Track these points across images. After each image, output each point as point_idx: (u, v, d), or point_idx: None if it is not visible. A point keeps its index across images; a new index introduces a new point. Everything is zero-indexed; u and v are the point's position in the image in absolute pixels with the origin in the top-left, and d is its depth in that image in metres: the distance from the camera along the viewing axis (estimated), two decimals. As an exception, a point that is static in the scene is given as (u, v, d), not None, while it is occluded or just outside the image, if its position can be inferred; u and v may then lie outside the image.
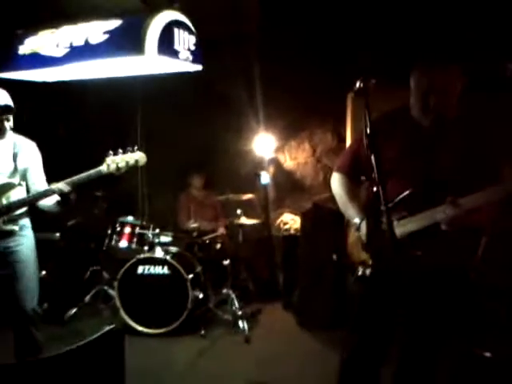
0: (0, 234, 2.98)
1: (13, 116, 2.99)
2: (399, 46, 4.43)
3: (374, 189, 1.89)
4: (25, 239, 3.12)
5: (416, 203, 2.17)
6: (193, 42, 2.98)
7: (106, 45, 2.88)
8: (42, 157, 3.23)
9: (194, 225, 4.80)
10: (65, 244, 4.98)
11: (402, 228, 2.19)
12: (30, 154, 3.13)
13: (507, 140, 2.27)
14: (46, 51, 3.08)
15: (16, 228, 3.04)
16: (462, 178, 2.12)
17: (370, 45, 4.62)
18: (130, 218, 4.78)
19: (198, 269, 4.67)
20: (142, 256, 4.42)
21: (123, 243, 4.64)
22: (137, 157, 2.95)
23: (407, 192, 2.18)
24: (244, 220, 4.85)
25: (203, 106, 5.41)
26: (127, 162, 2.94)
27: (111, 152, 2.97)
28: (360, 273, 2.30)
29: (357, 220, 2.34)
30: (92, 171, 2.97)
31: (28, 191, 3.13)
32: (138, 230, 4.67)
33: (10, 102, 2.96)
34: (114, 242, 4.64)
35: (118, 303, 4.38)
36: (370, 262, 2.27)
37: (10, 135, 3.05)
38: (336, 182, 2.51)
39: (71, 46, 2.99)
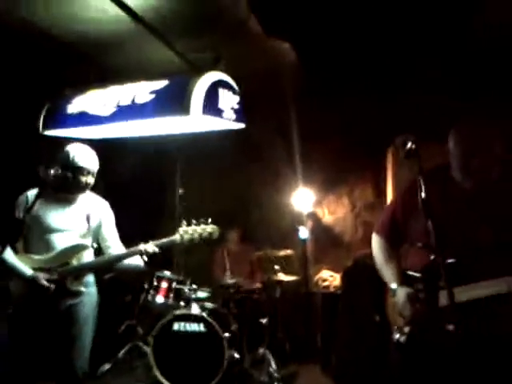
0: (67, 292, 2.94)
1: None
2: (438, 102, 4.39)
3: (431, 256, 1.80)
4: (88, 297, 3.08)
5: (458, 272, 2.03)
6: (236, 101, 3.03)
7: (152, 104, 2.93)
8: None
9: (231, 280, 4.72)
10: (101, 297, 4.95)
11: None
12: (103, 213, 3.10)
13: None
14: (93, 111, 3.16)
15: (82, 288, 3.01)
16: (507, 245, 2.01)
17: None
18: (168, 273, 4.73)
19: (234, 327, 4.55)
20: (178, 312, 4.34)
21: (160, 298, 4.58)
22: (210, 230, 3.04)
23: (451, 260, 2.04)
24: (282, 276, 4.75)
25: (242, 162, 5.44)
26: (200, 234, 3.02)
27: (184, 222, 3.02)
28: (396, 338, 2.21)
29: (393, 286, 2.27)
30: (166, 240, 3.02)
31: (100, 252, 3.10)
32: (174, 285, 4.62)
33: (97, 161, 3.00)
34: (150, 297, 4.59)
35: (151, 360, 4.27)
36: (406, 329, 2.16)
37: (87, 194, 3.06)
38: (375, 244, 2.47)
39: (118, 106, 3.06)
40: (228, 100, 2.94)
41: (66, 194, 2.98)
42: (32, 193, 2.89)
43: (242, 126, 3.19)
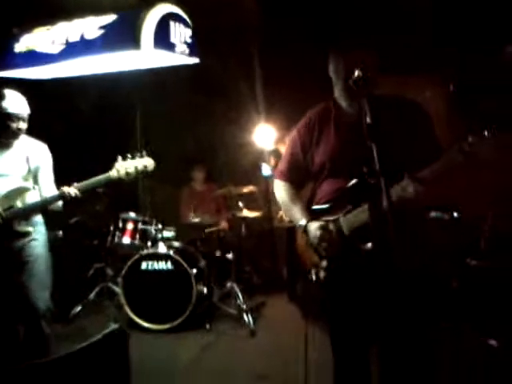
0: (15, 234, 3.04)
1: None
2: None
3: (375, 181, 1.83)
4: (38, 235, 3.18)
5: (358, 195, 2.11)
6: (189, 35, 2.95)
7: (101, 40, 2.84)
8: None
9: (196, 219, 4.78)
10: (67, 241, 4.96)
11: (349, 223, 2.15)
12: (41, 155, 3.18)
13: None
14: (41, 48, 3.05)
15: (30, 229, 3.10)
16: (405, 161, 2.04)
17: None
18: (132, 214, 4.75)
19: (202, 263, 4.66)
20: (145, 252, 4.41)
21: (126, 239, 4.62)
22: (145, 162, 3.02)
23: (353, 182, 2.12)
24: (246, 213, 4.83)
25: (202, 99, 5.37)
26: (136, 168, 3.00)
27: (120, 157, 3.01)
28: (314, 277, 2.25)
29: (303, 222, 2.29)
30: (101, 177, 3.03)
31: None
32: (140, 225, 4.65)
33: (27, 106, 3.03)
34: (116, 239, 4.62)
35: (122, 300, 4.37)
36: (324, 264, 2.21)
37: (23, 138, 3.11)
38: (278, 189, 2.48)
39: (67, 43, 2.96)
40: (180, 33, 2.87)
41: (1, 140, 3.04)
42: None
43: (195, 60, 3.13)
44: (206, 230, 4.89)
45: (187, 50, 2.95)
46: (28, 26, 3.19)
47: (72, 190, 2.98)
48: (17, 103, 2.99)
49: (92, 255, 5.11)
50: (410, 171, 2.03)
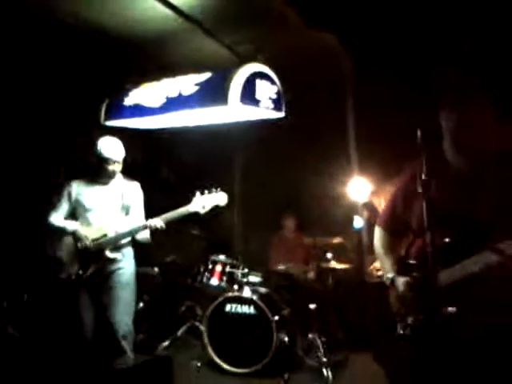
0: (106, 260, 3.48)
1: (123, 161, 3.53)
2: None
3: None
4: (126, 266, 3.59)
5: (455, 253, 2.02)
6: (274, 91, 3.15)
7: (196, 96, 3.14)
8: (147, 197, 3.73)
9: (283, 267, 4.86)
10: (163, 279, 5.29)
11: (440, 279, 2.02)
12: (134, 193, 3.66)
13: None
14: (146, 102, 3.42)
15: (120, 256, 3.52)
16: (505, 224, 1.94)
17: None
18: (222, 257, 4.96)
19: (286, 311, 4.68)
20: (230, 294, 4.55)
21: (214, 281, 4.82)
22: (219, 196, 3.38)
23: (446, 241, 2.04)
24: (334, 264, 4.81)
25: (299, 151, 5.54)
26: (211, 201, 3.36)
27: (198, 192, 3.38)
28: (401, 331, 2.18)
29: (390, 275, 2.27)
30: (181, 209, 3.39)
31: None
32: (228, 268, 4.83)
33: (122, 150, 3.52)
34: (205, 279, 4.84)
35: (205, 339, 4.52)
36: (409, 320, 2.14)
37: (119, 177, 3.60)
38: (376, 236, 2.47)
39: (167, 98, 3.29)
40: (265, 90, 3.07)
41: (101, 179, 3.55)
42: (77, 180, 3.59)
43: (281, 115, 3.31)
44: (294, 279, 4.94)
45: (272, 105, 3.14)
46: (138, 81, 3.61)
47: (156, 222, 3.36)
48: (112, 148, 3.45)
49: (184, 293, 5.37)
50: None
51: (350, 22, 3.48)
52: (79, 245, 3.46)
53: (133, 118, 3.57)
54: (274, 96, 3.13)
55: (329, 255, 4.86)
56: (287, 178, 5.54)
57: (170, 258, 5.35)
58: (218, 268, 4.85)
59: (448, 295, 1.98)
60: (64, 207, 3.58)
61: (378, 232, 2.48)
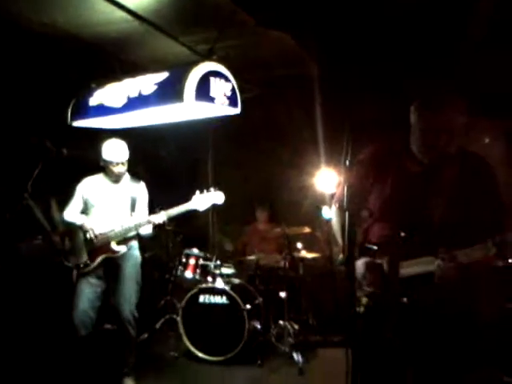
0: (112, 252, 3.77)
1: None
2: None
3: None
4: (131, 258, 3.91)
5: (408, 247, 2.16)
6: (229, 89, 3.29)
7: (154, 95, 3.28)
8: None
9: (252, 257, 5.01)
10: (143, 274, 5.41)
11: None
12: (140, 191, 3.97)
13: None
14: (108, 102, 3.56)
15: (125, 249, 3.80)
16: (460, 222, 2.07)
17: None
18: (195, 250, 5.11)
19: (258, 300, 4.84)
20: (203, 286, 4.71)
21: (188, 273, 4.98)
22: (216, 195, 3.77)
23: (402, 234, 2.16)
24: (304, 254, 4.97)
25: (268, 145, 5.70)
26: (209, 200, 3.72)
27: (198, 191, 3.75)
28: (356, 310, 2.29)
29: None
30: (182, 206, 3.72)
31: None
32: (201, 261, 4.98)
33: (125, 152, 3.79)
34: (179, 273, 4.99)
35: (181, 330, 4.68)
36: (364, 301, 2.29)
37: (127, 177, 3.95)
38: (332, 215, 2.59)
39: (128, 97, 3.43)
40: (220, 87, 3.22)
41: (110, 178, 3.86)
42: (88, 178, 3.93)
43: (236, 111, 3.45)
44: (265, 268, 5.10)
45: (227, 102, 3.28)
46: (101, 81, 3.75)
47: (158, 217, 3.68)
48: (114, 151, 3.73)
49: (163, 288, 5.51)
50: (470, 229, 2.06)
51: (303, 19, 3.62)
52: (87, 237, 3.73)
53: (97, 118, 3.69)
54: (229, 93, 3.28)
55: (299, 245, 5.02)
56: (259, 172, 5.70)
57: (148, 253, 5.47)
58: (192, 261, 5.01)
59: (404, 285, 2.16)
60: (75, 203, 3.89)
61: (334, 211, 2.59)
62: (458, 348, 2.24)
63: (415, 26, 4.14)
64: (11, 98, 4.07)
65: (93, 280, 3.80)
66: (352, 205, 2.45)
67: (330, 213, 5.39)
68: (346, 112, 2.27)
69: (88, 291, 3.77)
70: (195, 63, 3.18)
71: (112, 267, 3.83)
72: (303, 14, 3.59)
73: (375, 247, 2.35)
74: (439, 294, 2.15)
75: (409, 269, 2.19)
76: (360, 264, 2.33)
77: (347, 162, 2.02)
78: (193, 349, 4.63)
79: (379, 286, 2.29)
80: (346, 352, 2.23)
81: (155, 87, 3.30)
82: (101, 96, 3.64)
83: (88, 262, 3.77)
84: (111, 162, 3.74)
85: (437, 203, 2.17)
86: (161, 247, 5.65)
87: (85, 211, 3.91)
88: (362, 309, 2.33)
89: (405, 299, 2.20)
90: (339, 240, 2.49)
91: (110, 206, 3.84)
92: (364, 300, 2.33)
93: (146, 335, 5.04)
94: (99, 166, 3.88)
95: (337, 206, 2.57)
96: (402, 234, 2.18)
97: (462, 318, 2.22)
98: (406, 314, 2.21)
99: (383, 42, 4.77)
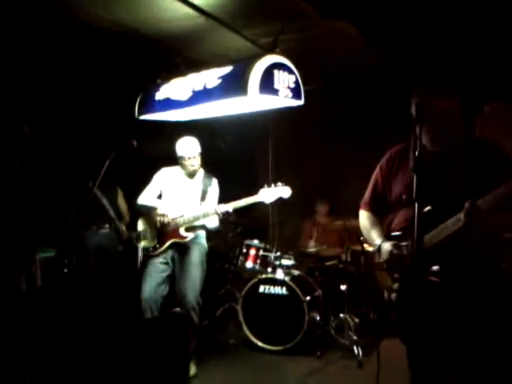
0: (181, 237, 3.97)
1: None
2: None
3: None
4: (198, 246, 4.09)
5: (431, 222, 2.17)
6: (293, 81, 3.31)
7: (219, 88, 3.35)
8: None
9: (313, 249, 5.02)
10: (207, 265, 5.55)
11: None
12: (211, 186, 4.18)
13: None
14: (174, 96, 3.67)
15: (192, 236, 4.00)
16: (476, 193, 2.11)
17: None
18: (255, 241, 5.18)
19: (318, 292, 4.86)
20: (263, 276, 4.77)
21: (249, 264, 5.06)
22: (283, 190, 3.81)
23: (428, 208, 2.14)
24: (366, 247, 4.92)
25: (327, 137, 5.67)
26: (276, 194, 3.78)
27: (266, 184, 3.83)
28: (386, 298, 2.32)
29: (378, 241, 2.42)
30: (249, 198, 3.83)
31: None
32: (261, 252, 5.05)
33: (196, 147, 3.99)
34: (240, 263, 5.08)
35: (241, 318, 4.77)
36: (395, 286, 2.28)
37: (201, 172, 4.16)
38: (361, 218, 2.65)
39: (193, 91, 3.53)
40: (284, 80, 3.24)
41: (185, 171, 4.07)
42: (166, 169, 4.17)
43: (300, 102, 3.47)
44: (326, 261, 5.10)
45: (290, 94, 3.30)
46: (167, 76, 3.87)
47: (225, 207, 3.81)
48: (186, 147, 3.95)
49: (224, 278, 5.64)
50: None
51: (367, 11, 3.58)
52: (159, 220, 3.93)
53: (163, 112, 3.82)
54: (293, 85, 3.30)
55: (361, 238, 4.97)
56: (318, 164, 5.68)
57: (208, 244, 5.60)
58: (252, 252, 5.08)
59: (432, 256, 2.15)
60: (151, 189, 4.14)
61: (361, 214, 2.67)
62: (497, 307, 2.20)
63: (485, 18, 4.01)
64: (82, 94, 4.28)
65: (160, 265, 3.99)
66: (379, 206, 2.53)
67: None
68: (413, 103, 2.24)
69: (155, 275, 3.95)
70: (259, 56, 3.22)
71: (179, 254, 4.01)
72: (368, 4, 3.55)
73: (399, 233, 2.37)
74: (468, 252, 2.16)
75: (434, 237, 2.20)
76: (386, 247, 2.36)
77: (416, 153, 2.00)
78: (252, 337, 4.71)
79: (407, 263, 2.27)
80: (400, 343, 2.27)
81: (219, 81, 3.37)
82: (167, 90, 3.76)
83: (157, 245, 3.98)
84: (183, 157, 3.97)
85: (453, 183, 2.23)
86: (221, 238, 5.76)
87: (159, 198, 4.14)
88: (393, 295, 2.31)
89: (435, 267, 2.17)
90: (369, 236, 2.54)
91: (182, 196, 4.07)
92: (395, 285, 2.31)
93: (206, 322, 5.17)
94: (162, 158, 4.07)
95: (365, 209, 2.63)
96: (426, 209, 2.17)
97: (494, 276, 2.22)
98: (440, 283, 2.17)
99: (450, 30, 4.64)
